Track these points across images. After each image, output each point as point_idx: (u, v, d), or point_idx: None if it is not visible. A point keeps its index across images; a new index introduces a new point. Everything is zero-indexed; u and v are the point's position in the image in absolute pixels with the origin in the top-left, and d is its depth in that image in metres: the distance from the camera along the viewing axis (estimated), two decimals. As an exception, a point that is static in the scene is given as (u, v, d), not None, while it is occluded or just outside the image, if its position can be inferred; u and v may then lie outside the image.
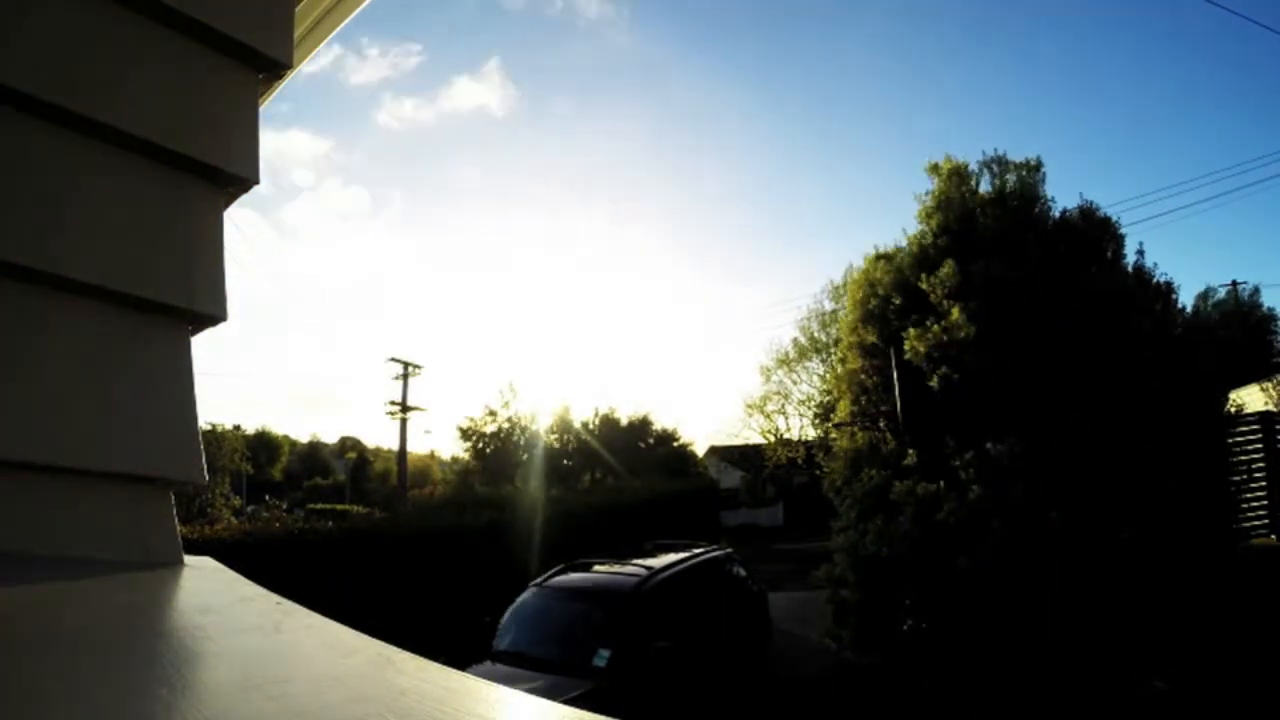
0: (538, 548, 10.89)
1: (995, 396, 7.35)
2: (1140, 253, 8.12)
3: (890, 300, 8.65)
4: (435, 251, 79.71)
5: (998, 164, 8.70)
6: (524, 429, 26.43)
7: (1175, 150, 50.85)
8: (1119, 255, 8.11)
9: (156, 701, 0.52)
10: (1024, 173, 8.55)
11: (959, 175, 8.68)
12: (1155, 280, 7.95)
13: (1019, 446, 6.93)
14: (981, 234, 8.07)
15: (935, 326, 7.77)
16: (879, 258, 9.23)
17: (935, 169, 8.82)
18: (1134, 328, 7.20)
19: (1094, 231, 8.09)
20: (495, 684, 0.64)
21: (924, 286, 8.13)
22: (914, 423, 8.12)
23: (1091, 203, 8.29)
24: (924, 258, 8.48)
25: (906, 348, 8.00)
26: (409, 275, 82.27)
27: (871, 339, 8.92)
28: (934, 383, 7.68)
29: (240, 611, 0.81)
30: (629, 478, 21.51)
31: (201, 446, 0.97)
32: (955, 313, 7.56)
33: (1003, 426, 7.16)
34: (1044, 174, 8.55)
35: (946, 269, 7.84)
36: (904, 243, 9.09)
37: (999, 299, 7.47)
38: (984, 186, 8.69)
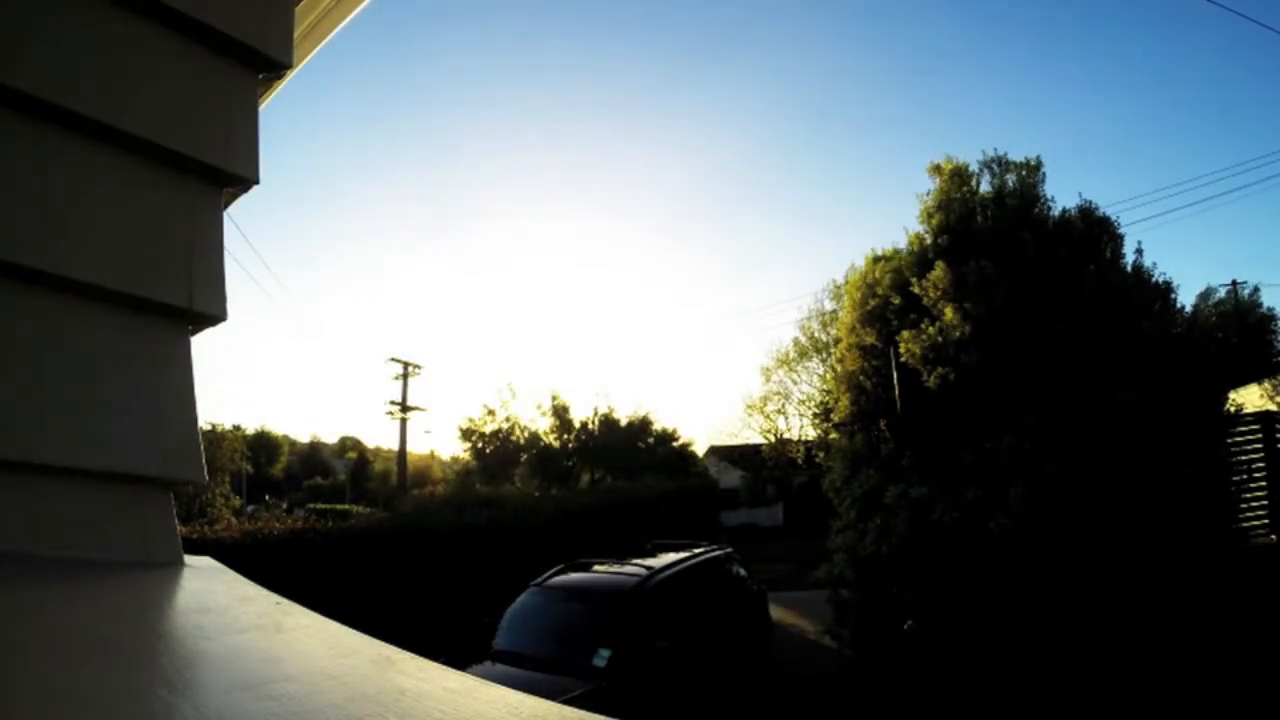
0: (537, 547, 10.89)
1: (993, 397, 7.34)
2: (1139, 252, 8.09)
3: (889, 301, 8.64)
4: (435, 251, 79.77)
5: (998, 164, 8.69)
6: (524, 429, 26.42)
7: (1175, 150, 50.91)
8: (1118, 255, 8.09)
9: (156, 701, 0.52)
10: (1023, 173, 8.53)
11: (960, 176, 8.67)
12: (1154, 280, 7.94)
13: (1018, 447, 6.92)
14: (980, 234, 8.06)
15: (930, 328, 7.76)
16: (878, 259, 9.23)
17: (937, 169, 8.82)
18: (1133, 327, 7.19)
19: (1092, 231, 8.07)
20: (495, 684, 0.64)
21: (915, 290, 8.14)
22: (912, 423, 8.12)
23: (1090, 202, 8.27)
24: (923, 258, 8.47)
25: (901, 349, 7.99)
26: (410, 275, 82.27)
27: (870, 340, 8.91)
28: (931, 383, 7.68)
29: (240, 611, 0.81)
30: (629, 478, 21.50)
31: (201, 446, 0.97)
32: (949, 313, 7.55)
33: (1001, 427, 7.16)
34: (1044, 174, 8.54)
35: (938, 270, 7.84)
36: (904, 244, 9.09)
37: (995, 299, 7.46)
38: (984, 187, 8.69)
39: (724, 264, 66.83)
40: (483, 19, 71.46)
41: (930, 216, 8.67)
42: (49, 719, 0.49)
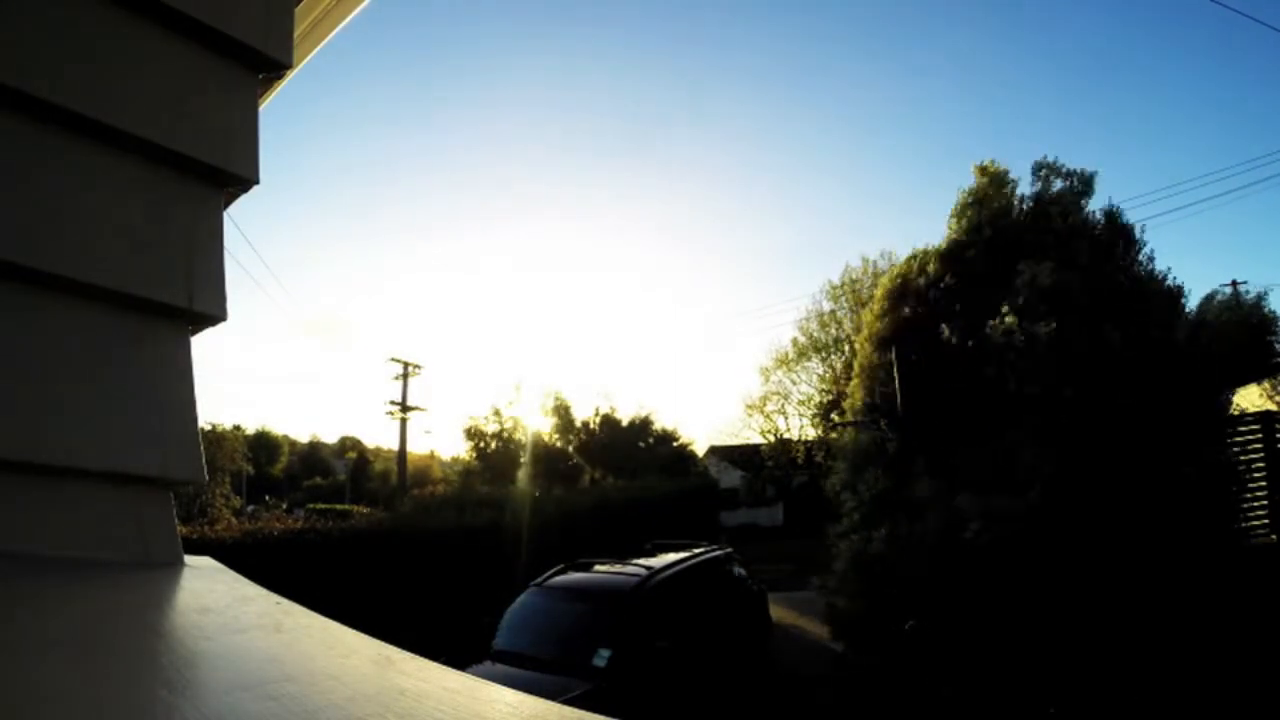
0: (538, 547, 10.88)
1: (1006, 395, 7.36)
2: (1150, 257, 8.20)
3: (920, 295, 8.74)
4: (435, 250, 79.77)
5: (1048, 169, 8.75)
6: (526, 429, 26.43)
7: (1175, 150, 50.91)
8: (1134, 258, 8.17)
9: (156, 701, 0.52)
10: (1073, 181, 8.60)
11: (999, 179, 8.84)
12: (1166, 284, 7.99)
13: (1033, 449, 6.92)
14: (1015, 235, 8.19)
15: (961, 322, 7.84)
16: (912, 258, 9.36)
17: (982, 170, 8.98)
18: (1143, 330, 7.21)
19: (1113, 235, 8.15)
20: (495, 684, 0.64)
21: (950, 281, 8.23)
22: (913, 422, 8.11)
23: (1115, 206, 8.38)
24: (954, 254, 8.59)
25: (945, 336, 8.03)
26: (410, 274, 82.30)
27: (891, 333, 8.98)
28: (958, 379, 7.71)
29: (240, 611, 0.80)
30: (629, 478, 21.49)
31: (201, 446, 0.97)
32: (1008, 316, 7.62)
33: (1005, 426, 7.15)
34: (1094, 184, 8.56)
35: (982, 263, 7.90)
36: (936, 243, 9.24)
37: (1030, 297, 7.54)
38: (1025, 189, 8.82)
39: (724, 264, 66.86)
40: (483, 19, 71.48)
41: (963, 213, 8.80)
42: (49, 719, 0.49)
